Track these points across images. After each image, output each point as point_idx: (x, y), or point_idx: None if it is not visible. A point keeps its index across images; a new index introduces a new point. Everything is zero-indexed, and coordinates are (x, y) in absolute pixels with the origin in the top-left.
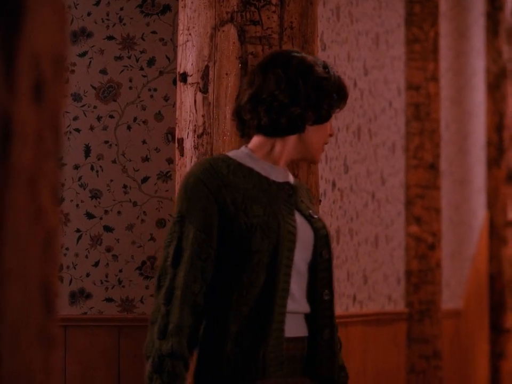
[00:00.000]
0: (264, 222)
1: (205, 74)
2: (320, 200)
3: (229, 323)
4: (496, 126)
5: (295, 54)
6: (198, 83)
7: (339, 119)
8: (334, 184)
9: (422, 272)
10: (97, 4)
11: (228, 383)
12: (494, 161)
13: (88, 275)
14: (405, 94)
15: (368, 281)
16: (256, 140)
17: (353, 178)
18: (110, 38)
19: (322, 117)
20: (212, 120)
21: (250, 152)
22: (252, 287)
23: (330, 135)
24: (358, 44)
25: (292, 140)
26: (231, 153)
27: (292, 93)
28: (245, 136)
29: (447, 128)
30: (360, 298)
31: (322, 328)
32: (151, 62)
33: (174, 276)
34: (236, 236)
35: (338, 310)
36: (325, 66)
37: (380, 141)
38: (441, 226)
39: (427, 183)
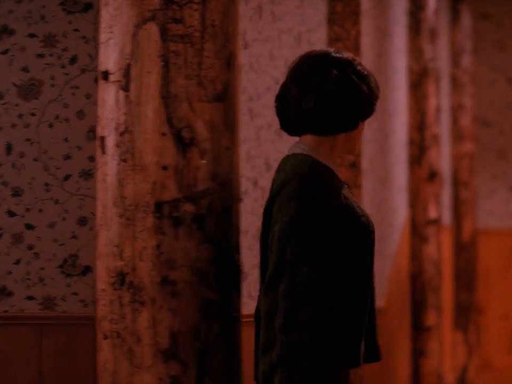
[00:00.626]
0: (366, 221)
1: (126, 73)
2: (241, 199)
3: (336, 314)
4: (417, 125)
5: (333, 53)
6: (119, 81)
7: (260, 118)
8: (255, 183)
9: None
10: (19, 1)
11: (328, 367)
12: (415, 160)
13: (9, 273)
14: None
15: None
16: (311, 138)
17: None
18: (32, 35)
19: (371, 113)
20: (133, 119)
21: (317, 151)
22: (357, 282)
23: None
24: (280, 42)
25: (342, 137)
26: (309, 153)
27: (354, 93)
28: (293, 135)
29: (368, 127)
30: None
31: (374, 319)
32: (73, 60)
33: (295, 272)
34: (350, 235)
35: (245, 311)
36: (359, 63)
37: None
38: None
39: (348, 181)
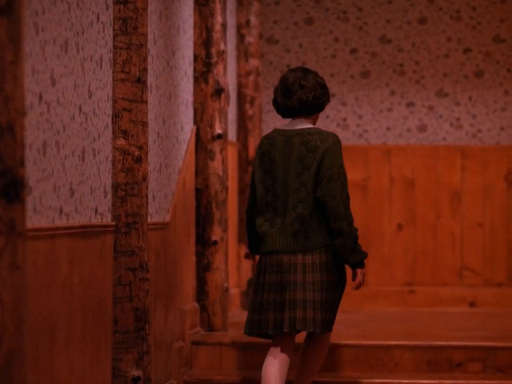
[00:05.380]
0: None
1: None
2: (26, 113)
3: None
4: (204, 42)
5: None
6: None
7: (46, 32)
8: (40, 97)
9: (128, 185)
10: None
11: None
12: (201, 76)
13: None
14: (112, 7)
15: (75, 194)
16: (305, 118)
17: (60, 91)
18: None
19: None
20: None
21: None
22: None
23: None
24: None
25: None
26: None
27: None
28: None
29: (155, 43)
30: (66, 211)
31: None
32: None
33: (346, 193)
34: None
35: (45, 222)
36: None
37: (87, 55)
38: (148, 139)
39: (134, 97)
